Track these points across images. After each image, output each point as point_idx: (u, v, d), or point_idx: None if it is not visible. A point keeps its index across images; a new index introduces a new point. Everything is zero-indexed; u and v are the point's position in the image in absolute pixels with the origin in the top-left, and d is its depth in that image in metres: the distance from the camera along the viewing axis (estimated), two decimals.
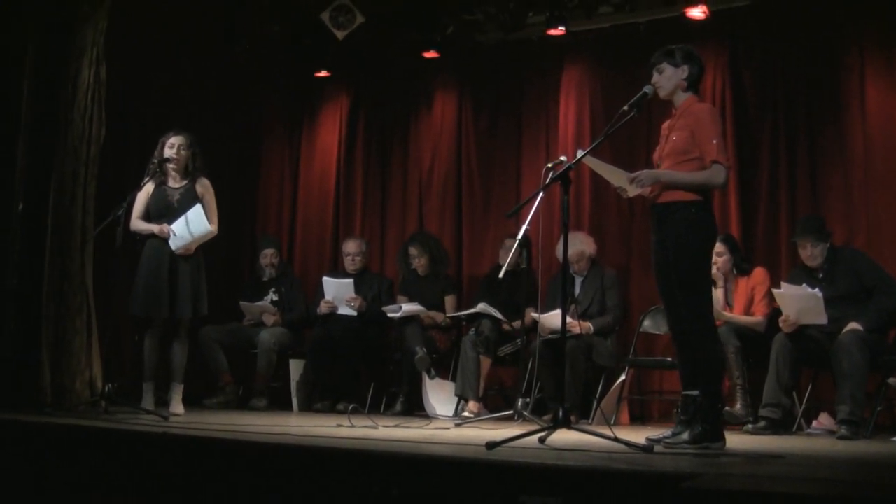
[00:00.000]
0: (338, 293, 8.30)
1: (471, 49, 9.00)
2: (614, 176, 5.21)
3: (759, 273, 7.03)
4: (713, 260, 6.78)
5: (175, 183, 6.87)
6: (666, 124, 5.23)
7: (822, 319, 6.38)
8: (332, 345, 8.14)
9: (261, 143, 10.13)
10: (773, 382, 6.41)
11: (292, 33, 9.07)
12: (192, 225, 6.65)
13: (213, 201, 6.92)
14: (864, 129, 7.40)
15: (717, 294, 6.86)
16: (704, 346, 4.92)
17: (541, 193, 5.44)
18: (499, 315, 7.63)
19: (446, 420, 7.24)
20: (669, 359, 7.03)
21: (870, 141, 7.38)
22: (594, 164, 5.27)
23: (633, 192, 5.12)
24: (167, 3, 8.16)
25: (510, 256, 6.38)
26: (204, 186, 6.88)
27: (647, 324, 7.67)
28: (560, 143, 8.49)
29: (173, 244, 6.66)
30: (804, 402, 6.72)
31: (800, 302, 6.44)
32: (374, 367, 8.52)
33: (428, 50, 8.83)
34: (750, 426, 6.41)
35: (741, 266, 7.07)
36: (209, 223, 6.75)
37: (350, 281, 8.33)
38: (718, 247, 6.88)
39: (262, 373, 8.28)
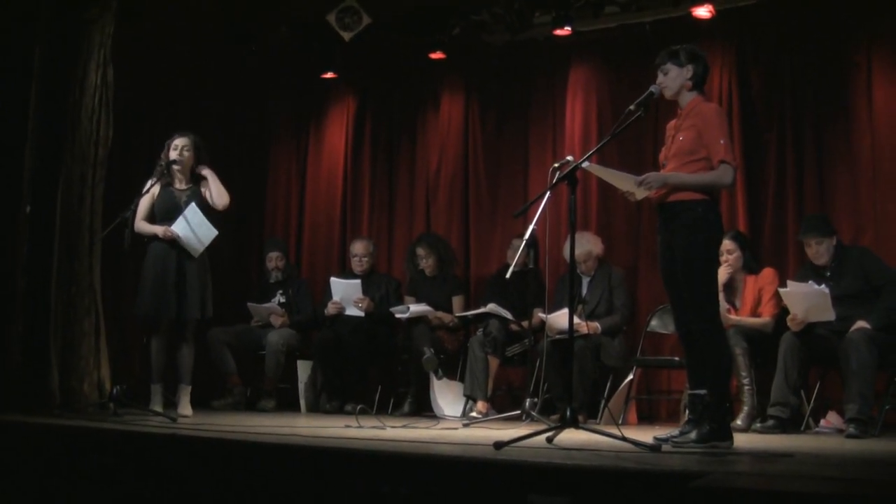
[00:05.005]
0: (345, 294, 8.30)
1: (477, 50, 8.99)
2: (621, 181, 5.20)
3: (768, 273, 7.02)
4: (724, 258, 6.81)
5: (181, 185, 6.88)
6: (671, 124, 5.22)
7: (830, 316, 6.37)
8: (339, 346, 8.15)
9: (268, 144, 10.13)
10: (781, 381, 6.41)
11: (299, 35, 9.08)
12: (195, 226, 6.67)
13: (216, 179, 6.87)
14: (872, 128, 7.39)
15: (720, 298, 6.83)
16: (712, 344, 4.92)
17: (548, 193, 5.44)
18: (508, 315, 7.63)
19: (454, 420, 7.24)
20: (677, 358, 7.03)
21: (877, 139, 7.37)
22: (600, 171, 5.27)
23: (640, 195, 5.12)
24: (174, 5, 8.18)
25: (518, 256, 6.39)
26: (204, 174, 6.86)
27: (654, 323, 7.67)
28: (567, 143, 8.49)
29: (190, 249, 6.69)
30: (812, 401, 6.70)
31: (807, 300, 6.43)
32: (381, 368, 8.52)
33: (434, 51, 8.84)
34: (758, 425, 6.40)
35: (750, 264, 7.06)
36: (221, 199, 6.80)
37: (358, 282, 8.34)
38: (728, 244, 6.88)
39: (269, 374, 8.29)
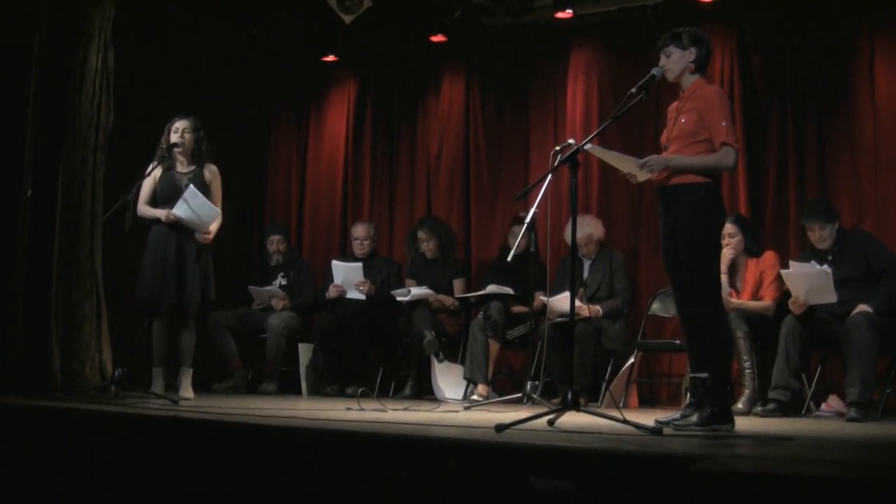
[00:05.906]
0: (347, 277, 8.31)
1: (478, 33, 8.97)
2: (623, 163, 5.20)
3: (770, 257, 7.01)
4: (725, 241, 6.80)
5: (183, 168, 6.87)
6: (673, 106, 5.21)
7: (832, 298, 6.36)
8: (341, 329, 8.15)
9: (269, 127, 10.12)
10: (782, 365, 6.41)
11: (300, 18, 9.05)
12: (196, 207, 6.65)
13: (220, 188, 6.92)
14: (874, 113, 7.37)
15: (722, 281, 6.82)
16: (713, 327, 4.92)
17: (549, 177, 5.44)
18: (509, 291, 7.64)
19: (455, 403, 7.25)
20: (678, 341, 7.03)
21: (879, 124, 7.35)
22: (602, 153, 5.27)
23: (642, 177, 5.11)
24: None
25: (519, 240, 6.39)
26: (212, 173, 6.89)
27: (655, 306, 7.68)
28: (568, 127, 8.47)
29: (195, 228, 6.68)
30: (813, 385, 6.72)
31: (809, 280, 6.42)
32: (383, 351, 8.52)
33: (435, 34, 8.80)
34: (759, 408, 6.41)
35: (751, 247, 7.05)
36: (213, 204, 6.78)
37: (359, 265, 8.34)
38: (730, 228, 6.87)
39: (271, 357, 8.30)
